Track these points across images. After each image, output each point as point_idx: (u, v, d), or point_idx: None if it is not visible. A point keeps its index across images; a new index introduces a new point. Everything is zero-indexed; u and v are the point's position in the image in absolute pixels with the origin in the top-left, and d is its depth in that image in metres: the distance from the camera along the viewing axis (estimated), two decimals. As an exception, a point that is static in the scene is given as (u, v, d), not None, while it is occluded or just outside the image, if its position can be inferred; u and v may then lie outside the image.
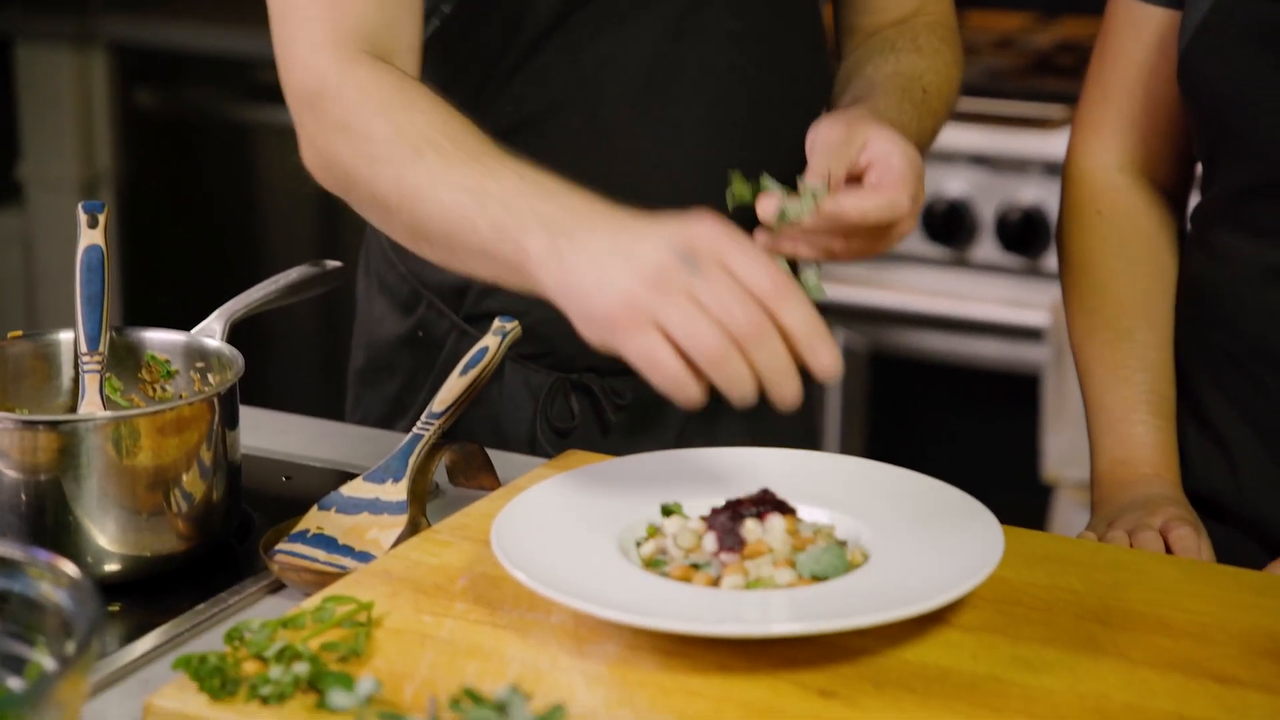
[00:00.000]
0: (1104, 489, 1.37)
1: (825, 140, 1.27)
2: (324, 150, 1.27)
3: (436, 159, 1.19)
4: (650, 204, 1.42)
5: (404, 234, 1.24)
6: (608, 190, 1.33)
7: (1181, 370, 1.40)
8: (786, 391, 1.05)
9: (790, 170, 1.28)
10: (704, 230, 1.06)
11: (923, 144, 1.40)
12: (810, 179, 1.24)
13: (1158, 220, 1.43)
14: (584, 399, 1.49)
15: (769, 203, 1.23)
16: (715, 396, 1.07)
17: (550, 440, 1.49)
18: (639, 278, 1.05)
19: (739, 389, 1.04)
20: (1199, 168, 1.43)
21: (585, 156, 1.39)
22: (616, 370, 1.42)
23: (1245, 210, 1.33)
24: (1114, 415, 1.39)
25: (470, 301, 1.49)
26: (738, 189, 1.26)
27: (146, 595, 1.19)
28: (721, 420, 1.49)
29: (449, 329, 1.51)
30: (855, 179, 1.25)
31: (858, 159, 1.25)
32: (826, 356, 1.05)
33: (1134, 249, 1.42)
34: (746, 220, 1.22)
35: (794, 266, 1.31)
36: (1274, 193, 1.30)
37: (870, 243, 1.26)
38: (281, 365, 3.15)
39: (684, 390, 1.05)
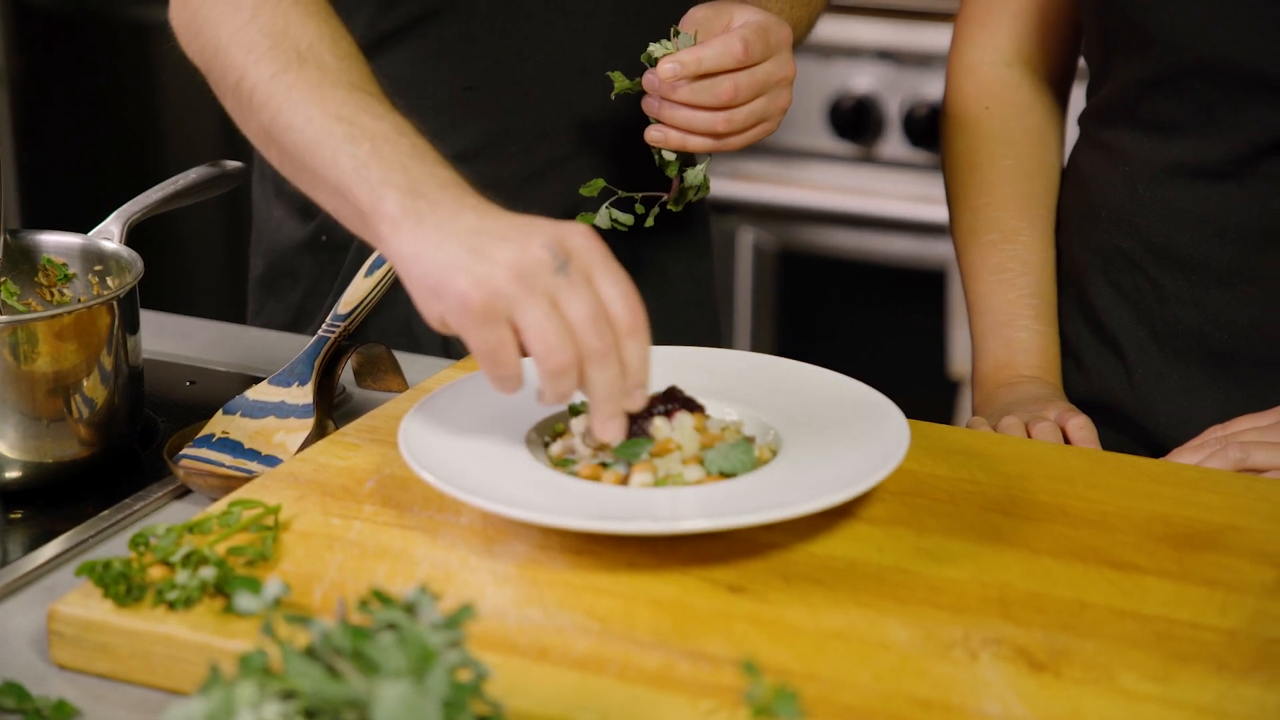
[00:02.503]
0: (986, 390, 1.38)
1: (693, 18, 1.29)
2: (197, 13, 1.17)
3: (317, 73, 1.10)
4: (559, 90, 1.41)
5: (257, 135, 1.15)
6: (519, 75, 1.29)
7: (1075, 274, 1.40)
8: (607, 418, 1.02)
9: None
10: (580, 238, 1.01)
11: (796, 26, 1.42)
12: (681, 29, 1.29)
13: (1044, 116, 1.43)
14: None
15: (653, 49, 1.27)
16: None
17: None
18: (508, 267, 0.99)
19: (562, 398, 1.02)
20: (1082, 61, 1.43)
21: (499, 43, 1.39)
22: None
23: (1143, 106, 1.32)
24: (998, 319, 1.39)
25: None
26: (618, 82, 1.30)
27: (49, 502, 1.18)
28: None
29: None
30: None
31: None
32: (635, 401, 1.02)
33: (1021, 147, 1.42)
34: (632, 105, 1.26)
35: (687, 162, 1.32)
36: (1172, 86, 1.29)
37: (749, 121, 1.27)
38: (183, 268, 3.11)
39: (506, 387, 1.02)
